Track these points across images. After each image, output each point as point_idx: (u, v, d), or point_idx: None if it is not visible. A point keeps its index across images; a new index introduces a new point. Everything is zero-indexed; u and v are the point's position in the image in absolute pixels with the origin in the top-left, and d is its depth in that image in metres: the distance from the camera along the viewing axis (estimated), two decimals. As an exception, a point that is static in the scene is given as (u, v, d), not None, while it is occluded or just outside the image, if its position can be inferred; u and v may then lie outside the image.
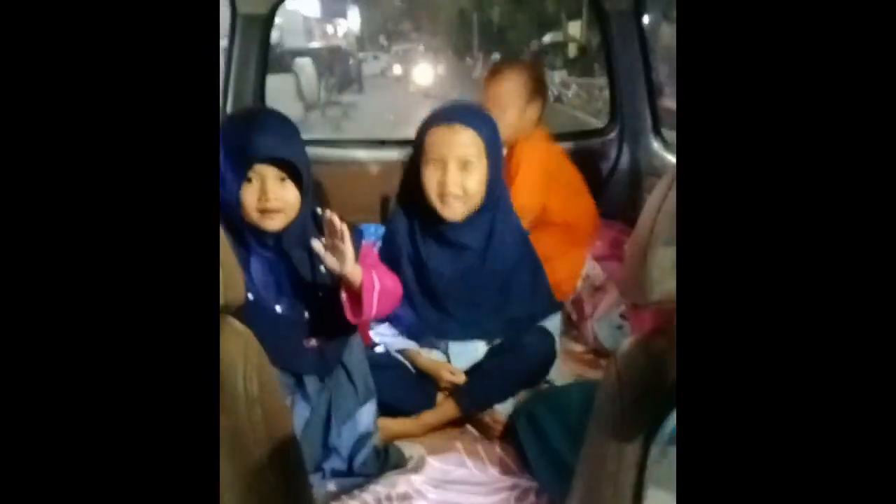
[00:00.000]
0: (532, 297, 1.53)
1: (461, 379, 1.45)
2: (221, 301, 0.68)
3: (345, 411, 1.30)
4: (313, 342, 1.31)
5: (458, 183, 1.41)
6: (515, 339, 1.49)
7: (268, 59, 2.14)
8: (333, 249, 1.21)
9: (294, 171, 1.26)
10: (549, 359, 1.48)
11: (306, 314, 1.30)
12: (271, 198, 1.25)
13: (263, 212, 1.25)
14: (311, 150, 2.12)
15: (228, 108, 2.06)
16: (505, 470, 1.30)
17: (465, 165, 1.41)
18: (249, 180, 1.25)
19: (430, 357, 1.49)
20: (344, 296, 1.26)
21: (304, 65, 8.94)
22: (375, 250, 1.47)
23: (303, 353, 1.29)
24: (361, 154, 2.19)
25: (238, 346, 0.72)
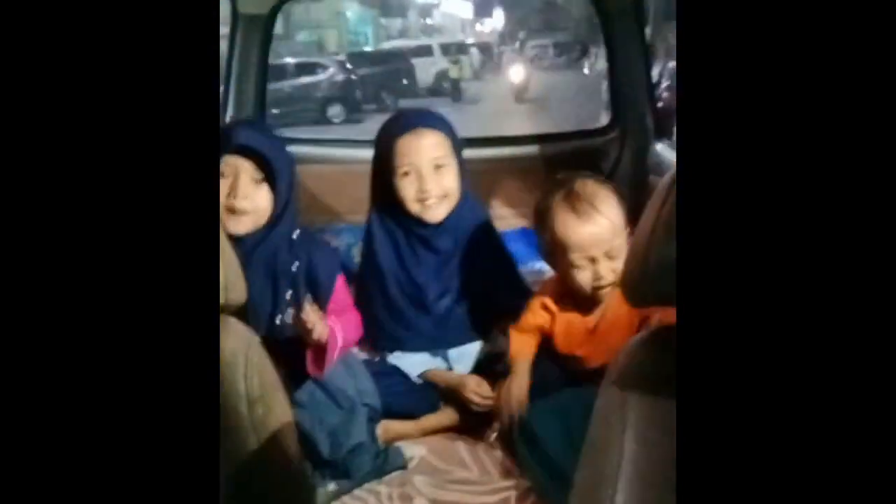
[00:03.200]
0: (511, 292, 1.53)
1: (489, 402, 1.40)
2: (222, 301, 0.68)
3: (327, 427, 1.25)
4: None
5: (439, 185, 1.41)
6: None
7: (268, 59, 2.13)
8: (305, 329, 1.17)
9: (271, 175, 1.19)
10: (561, 383, 1.45)
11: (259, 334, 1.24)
12: (240, 195, 1.18)
13: (230, 210, 1.18)
14: (311, 150, 2.13)
15: (229, 109, 2.06)
16: (506, 470, 1.30)
17: (438, 168, 1.41)
18: (222, 175, 1.18)
19: (449, 374, 1.47)
20: (309, 352, 1.22)
21: (474, 52, 15.49)
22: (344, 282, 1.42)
23: None
24: (362, 154, 2.19)
25: (239, 346, 0.72)
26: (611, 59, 2.11)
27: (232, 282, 0.70)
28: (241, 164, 1.19)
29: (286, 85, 10.30)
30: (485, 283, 1.50)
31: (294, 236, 1.28)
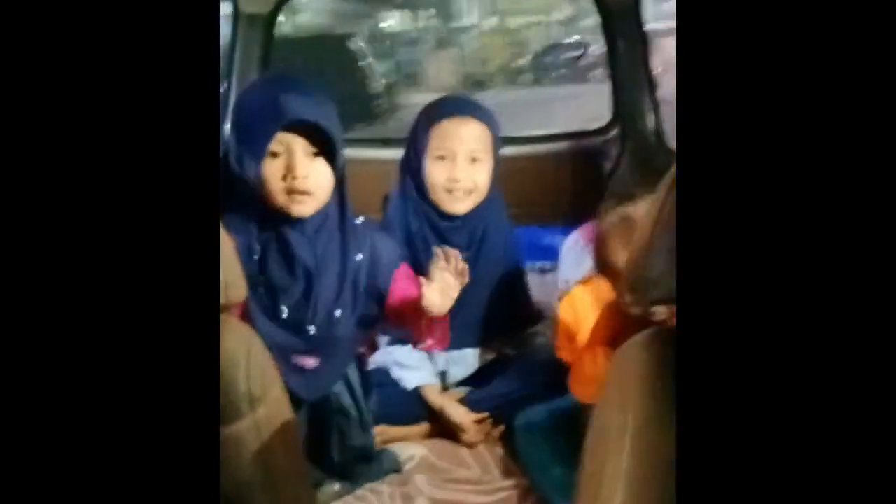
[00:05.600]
0: (515, 306, 1.52)
1: (481, 438, 1.39)
2: (222, 300, 0.68)
3: (340, 432, 1.22)
4: (310, 361, 1.14)
5: (470, 177, 1.38)
6: (524, 370, 1.44)
7: (270, 58, 2.13)
8: (448, 286, 1.09)
9: (327, 146, 1.05)
10: (559, 391, 1.42)
11: (312, 329, 1.11)
12: (300, 175, 1.03)
13: (291, 192, 1.04)
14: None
15: (230, 109, 2.06)
16: (507, 470, 1.30)
17: (474, 160, 1.38)
18: (274, 155, 1.04)
19: (435, 395, 1.43)
20: (424, 324, 1.15)
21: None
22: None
23: (290, 372, 1.09)
24: (362, 153, 2.19)
25: (240, 345, 0.72)
26: (611, 58, 2.12)
27: (232, 281, 0.70)
28: (293, 140, 1.04)
29: (565, 55, 13.84)
30: (490, 288, 1.48)
31: (358, 221, 1.17)
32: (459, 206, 1.41)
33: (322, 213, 1.10)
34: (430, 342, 1.18)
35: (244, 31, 2.04)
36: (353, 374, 1.24)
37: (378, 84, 9.46)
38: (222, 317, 0.71)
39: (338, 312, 1.13)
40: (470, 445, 1.38)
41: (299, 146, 1.04)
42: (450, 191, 1.39)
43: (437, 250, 1.12)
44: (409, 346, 1.46)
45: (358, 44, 9.36)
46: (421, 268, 1.44)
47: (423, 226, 1.44)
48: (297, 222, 1.08)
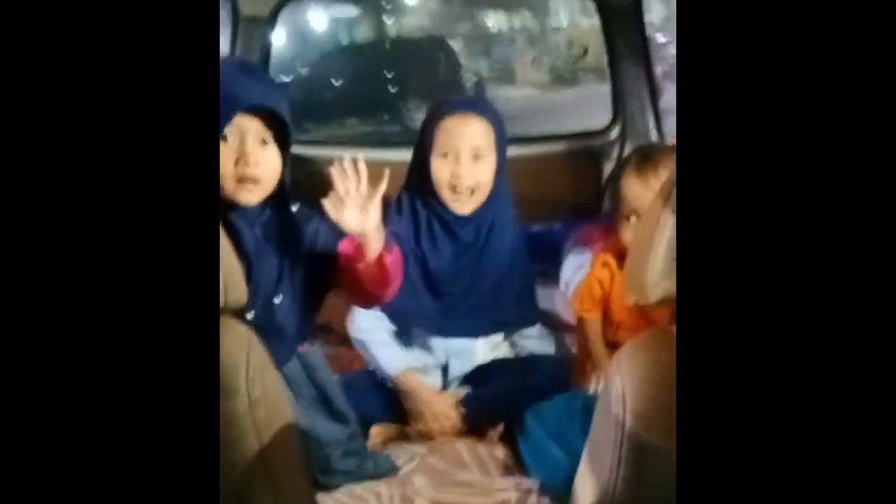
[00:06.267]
0: (519, 302, 1.53)
1: (454, 422, 1.40)
2: (222, 302, 0.68)
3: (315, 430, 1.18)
4: None
5: (472, 174, 1.39)
6: (526, 370, 1.45)
7: (269, 60, 2.13)
8: (353, 201, 1.05)
9: (277, 135, 1.06)
10: (561, 391, 1.42)
11: (250, 314, 1.09)
12: (252, 161, 1.03)
13: (242, 180, 1.05)
14: (311, 150, 2.13)
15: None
16: (506, 471, 1.30)
17: (476, 157, 1.40)
18: (225, 139, 1.03)
19: (428, 389, 1.43)
20: (362, 266, 1.09)
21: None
22: None
23: None
24: (363, 154, 2.19)
25: (240, 347, 0.72)
26: (611, 59, 2.11)
27: (232, 283, 0.70)
28: (246, 125, 1.02)
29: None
30: (495, 282, 1.49)
31: (294, 208, 1.16)
32: (464, 208, 1.43)
33: (266, 202, 1.10)
34: (381, 290, 1.14)
35: (243, 32, 2.04)
36: (298, 375, 1.20)
37: (469, 79, 9.68)
38: (222, 319, 0.71)
39: (277, 300, 1.13)
40: (428, 433, 1.39)
41: (251, 130, 1.04)
42: (454, 187, 1.40)
43: (332, 169, 1.07)
44: (387, 321, 1.44)
45: (455, 42, 9.68)
46: (425, 262, 1.45)
47: (431, 219, 1.45)
48: (242, 209, 1.08)
